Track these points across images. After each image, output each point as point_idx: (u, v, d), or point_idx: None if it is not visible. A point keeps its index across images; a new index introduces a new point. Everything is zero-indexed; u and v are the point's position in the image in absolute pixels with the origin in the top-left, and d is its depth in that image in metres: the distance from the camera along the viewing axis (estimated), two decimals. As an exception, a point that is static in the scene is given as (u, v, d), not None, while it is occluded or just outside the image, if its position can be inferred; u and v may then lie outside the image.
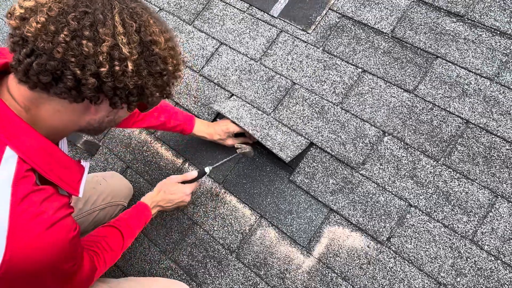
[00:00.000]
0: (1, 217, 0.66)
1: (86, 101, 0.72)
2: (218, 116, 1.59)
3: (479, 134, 1.30)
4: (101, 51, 0.65)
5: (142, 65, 0.71)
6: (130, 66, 0.68)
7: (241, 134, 1.50)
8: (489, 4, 1.43)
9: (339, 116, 1.45)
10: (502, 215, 1.20)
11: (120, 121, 0.88)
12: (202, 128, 1.45)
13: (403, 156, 1.34)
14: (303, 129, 1.46)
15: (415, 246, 1.24)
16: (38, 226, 0.68)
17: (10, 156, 0.69)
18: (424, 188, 1.28)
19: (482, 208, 1.22)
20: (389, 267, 1.24)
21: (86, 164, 0.87)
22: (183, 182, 1.32)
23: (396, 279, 1.22)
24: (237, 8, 1.75)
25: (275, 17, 1.68)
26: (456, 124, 1.33)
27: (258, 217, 1.41)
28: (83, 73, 0.65)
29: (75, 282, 0.86)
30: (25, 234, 0.67)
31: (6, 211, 0.66)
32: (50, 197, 0.73)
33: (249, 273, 1.35)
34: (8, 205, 0.66)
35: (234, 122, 1.44)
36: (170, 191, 1.28)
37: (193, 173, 1.34)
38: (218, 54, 1.69)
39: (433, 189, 1.28)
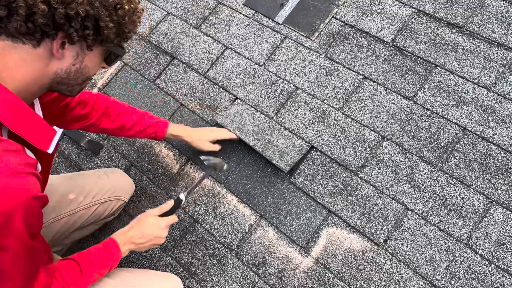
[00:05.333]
0: None
1: (48, 45, 0.74)
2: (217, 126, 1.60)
3: (475, 141, 1.33)
4: None
5: None
6: None
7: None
8: (487, 16, 1.48)
9: (339, 120, 1.49)
10: (497, 220, 1.23)
11: (89, 74, 0.87)
12: (177, 129, 1.46)
13: (401, 161, 1.37)
14: (304, 132, 1.50)
15: (411, 248, 1.26)
16: None
17: None
18: (421, 192, 1.32)
19: (477, 213, 1.25)
20: (385, 268, 1.26)
21: (59, 129, 0.85)
22: (162, 215, 1.19)
23: (391, 281, 1.24)
24: (243, 14, 1.80)
25: (279, 24, 1.73)
26: (454, 131, 1.36)
27: (258, 217, 1.44)
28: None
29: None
30: None
31: None
32: (15, 151, 0.70)
33: (247, 272, 1.37)
34: None
35: (230, 131, 1.47)
36: (144, 225, 1.14)
37: (169, 202, 1.21)
38: (223, 58, 1.74)
39: (429, 193, 1.31)
